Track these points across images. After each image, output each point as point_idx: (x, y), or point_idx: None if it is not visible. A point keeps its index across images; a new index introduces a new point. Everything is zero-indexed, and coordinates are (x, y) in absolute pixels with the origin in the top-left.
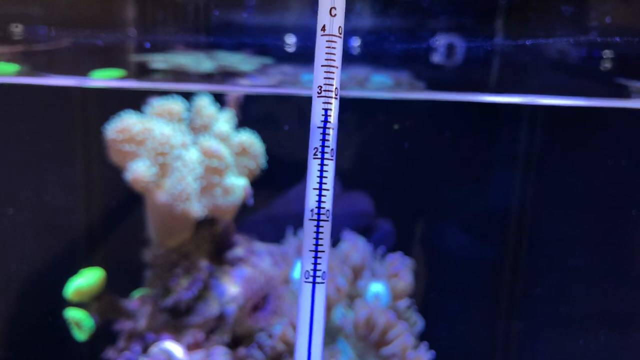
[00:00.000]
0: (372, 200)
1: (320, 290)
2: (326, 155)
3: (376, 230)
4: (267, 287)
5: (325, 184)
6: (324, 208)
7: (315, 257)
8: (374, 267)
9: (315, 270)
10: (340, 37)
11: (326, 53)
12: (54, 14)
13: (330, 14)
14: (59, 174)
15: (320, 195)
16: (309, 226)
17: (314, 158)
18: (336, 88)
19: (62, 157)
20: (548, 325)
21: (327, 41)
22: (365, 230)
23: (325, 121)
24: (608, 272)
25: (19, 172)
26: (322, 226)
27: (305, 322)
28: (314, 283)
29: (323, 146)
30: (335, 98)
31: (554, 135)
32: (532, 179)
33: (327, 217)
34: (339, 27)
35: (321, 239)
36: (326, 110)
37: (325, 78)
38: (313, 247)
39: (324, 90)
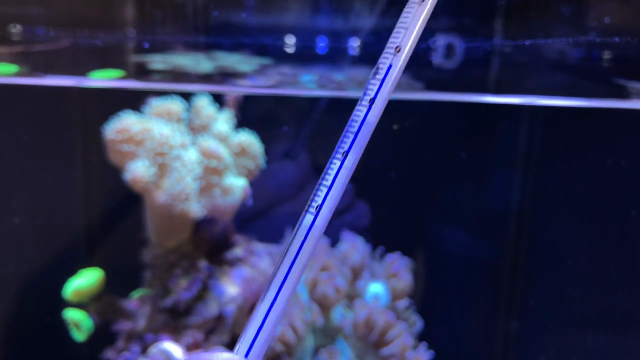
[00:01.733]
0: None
1: (308, 220)
2: (362, 103)
3: (352, 209)
4: None
5: (353, 127)
6: (342, 148)
7: (317, 190)
8: (373, 268)
9: (312, 200)
10: (418, 4)
11: (402, 16)
12: (53, 14)
13: None
14: (57, 174)
15: (345, 134)
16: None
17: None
18: (398, 47)
19: (61, 158)
20: (548, 326)
21: (406, 7)
22: (343, 210)
23: (374, 73)
24: (608, 273)
25: (17, 173)
26: (335, 163)
27: (293, 252)
28: (306, 212)
29: (364, 94)
30: (394, 55)
31: (553, 135)
32: (532, 179)
33: (342, 156)
34: None
35: (329, 174)
36: (379, 63)
37: (392, 37)
38: (320, 181)
39: (387, 47)
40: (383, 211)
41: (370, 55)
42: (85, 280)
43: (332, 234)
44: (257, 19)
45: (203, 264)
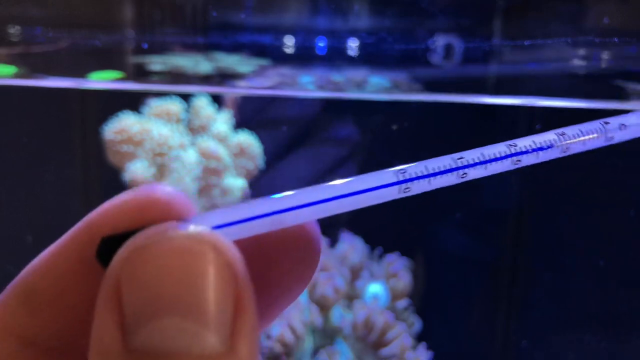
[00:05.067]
0: None
1: None
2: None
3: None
4: None
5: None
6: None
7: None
8: (372, 268)
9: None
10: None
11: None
12: (52, 15)
13: None
14: (57, 175)
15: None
16: None
17: None
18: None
19: (60, 159)
20: (548, 326)
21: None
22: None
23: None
24: (607, 273)
25: (16, 174)
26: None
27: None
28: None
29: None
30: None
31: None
32: (531, 180)
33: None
34: None
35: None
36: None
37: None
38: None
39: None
40: (382, 211)
41: (369, 56)
42: None
43: (332, 233)
44: (256, 20)
45: None
